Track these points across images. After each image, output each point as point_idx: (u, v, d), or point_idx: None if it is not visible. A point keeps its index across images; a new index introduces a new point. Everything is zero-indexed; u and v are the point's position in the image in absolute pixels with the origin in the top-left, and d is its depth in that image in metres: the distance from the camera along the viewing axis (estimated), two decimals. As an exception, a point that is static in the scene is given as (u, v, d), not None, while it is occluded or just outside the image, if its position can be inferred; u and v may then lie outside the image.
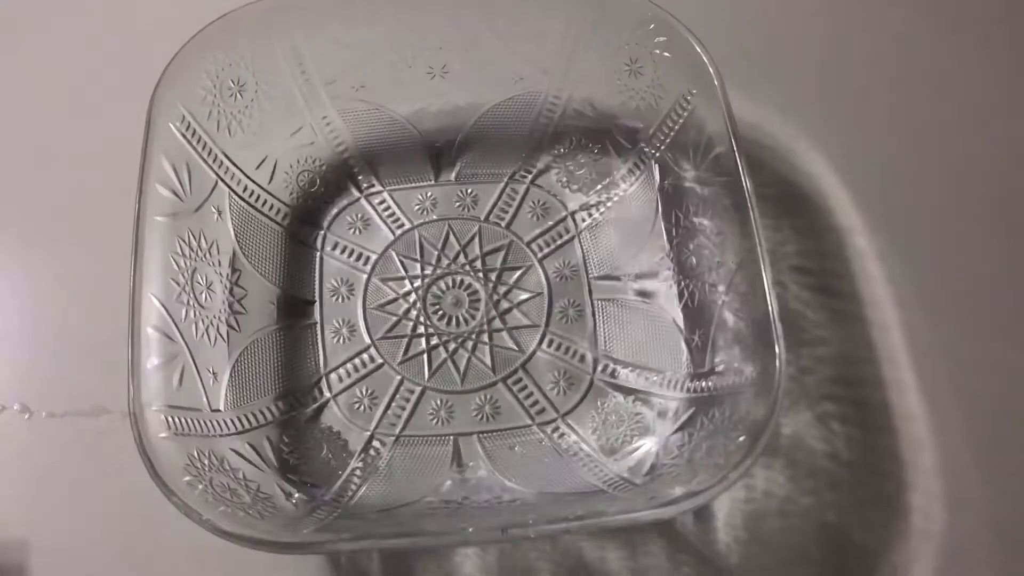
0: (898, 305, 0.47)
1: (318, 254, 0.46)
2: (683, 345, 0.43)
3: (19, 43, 0.53)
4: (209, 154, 0.44)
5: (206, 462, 0.37)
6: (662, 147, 0.46)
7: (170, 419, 0.36)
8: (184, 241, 0.41)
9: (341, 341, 0.44)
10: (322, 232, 0.47)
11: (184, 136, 0.42)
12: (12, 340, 0.46)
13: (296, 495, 0.39)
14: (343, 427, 0.43)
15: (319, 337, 0.45)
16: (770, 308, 0.37)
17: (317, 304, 0.45)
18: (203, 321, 0.41)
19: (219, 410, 0.40)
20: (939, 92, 0.53)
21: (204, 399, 0.39)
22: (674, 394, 0.42)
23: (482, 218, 0.47)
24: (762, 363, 0.38)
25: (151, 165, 0.40)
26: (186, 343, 0.39)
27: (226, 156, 0.44)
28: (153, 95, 0.40)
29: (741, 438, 0.36)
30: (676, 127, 0.45)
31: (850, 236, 0.49)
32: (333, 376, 0.44)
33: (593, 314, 0.45)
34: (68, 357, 0.45)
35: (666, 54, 0.44)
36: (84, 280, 0.46)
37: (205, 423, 0.39)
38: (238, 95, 0.45)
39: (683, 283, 0.44)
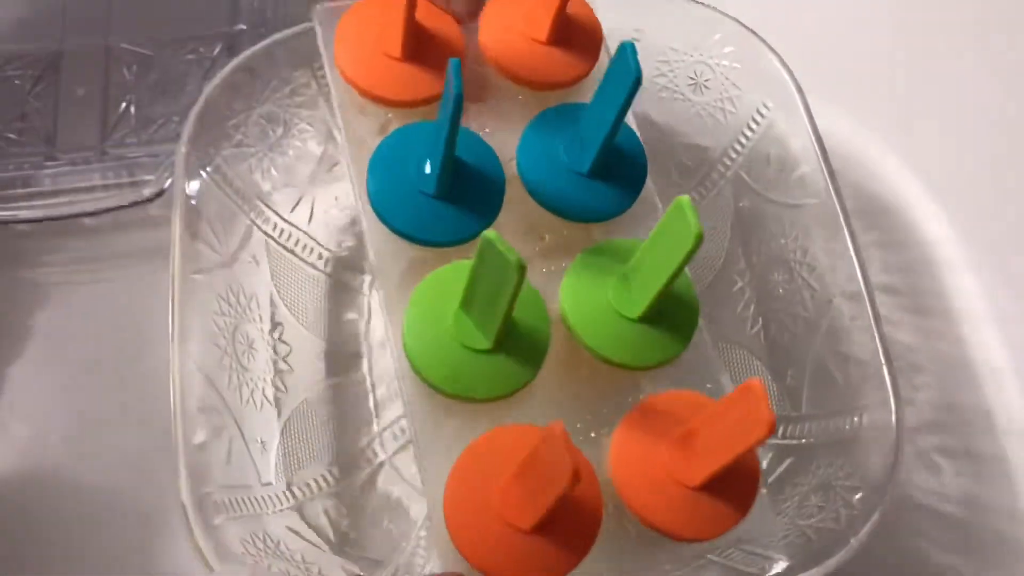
0: (996, 321, 0.43)
1: (365, 300, 0.42)
2: (773, 386, 0.39)
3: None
4: (241, 197, 0.40)
5: (261, 546, 0.33)
6: (734, 165, 0.42)
7: (221, 501, 0.33)
8: (223, 298, 0.37)
9: (393, 396, 0.41)
10: (369, 276, 0.43)
11: (214, 180, 0.39)
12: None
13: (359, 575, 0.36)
14: (403, 492, 0.39)
15: (370, 393, 0.41)
16: (879, 347, 0.33)
17: (365, 357, 0.41)
18: (247, 385, 0.37)
19: (270, 483, 0.36)
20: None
21: (254, 473, 0.36)
22: (769, 440, 0.38)
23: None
24: (872, 407, 0.34)
25: (183, 216, 0.36)
26: (232, 413, 0.35)
27: (260, 198, 0.41)
28: (184, 139, 0.37)
29: (858, 495, 0.32)
30: (751, 143, 0.41)
31: (939, 248, 0.45)
32: (387, 434, 0.40)
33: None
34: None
35: (735, 65, 0.41)
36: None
37: (257, 500, 0.35)
38: (269, 132, 0.41)
39: (767, 316, 0.40)
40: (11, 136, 0.46)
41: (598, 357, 0.31)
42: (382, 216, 0.32)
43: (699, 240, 0.26)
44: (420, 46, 0.34)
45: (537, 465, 0.26)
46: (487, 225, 0.33)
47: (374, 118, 0.35)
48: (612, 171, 0.34)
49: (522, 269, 0.25)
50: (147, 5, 0.50)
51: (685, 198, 0.27)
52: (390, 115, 0.35)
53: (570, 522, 0.28)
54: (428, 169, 0.32)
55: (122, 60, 0.48)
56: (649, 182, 0.35)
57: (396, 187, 0.32)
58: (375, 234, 0.33)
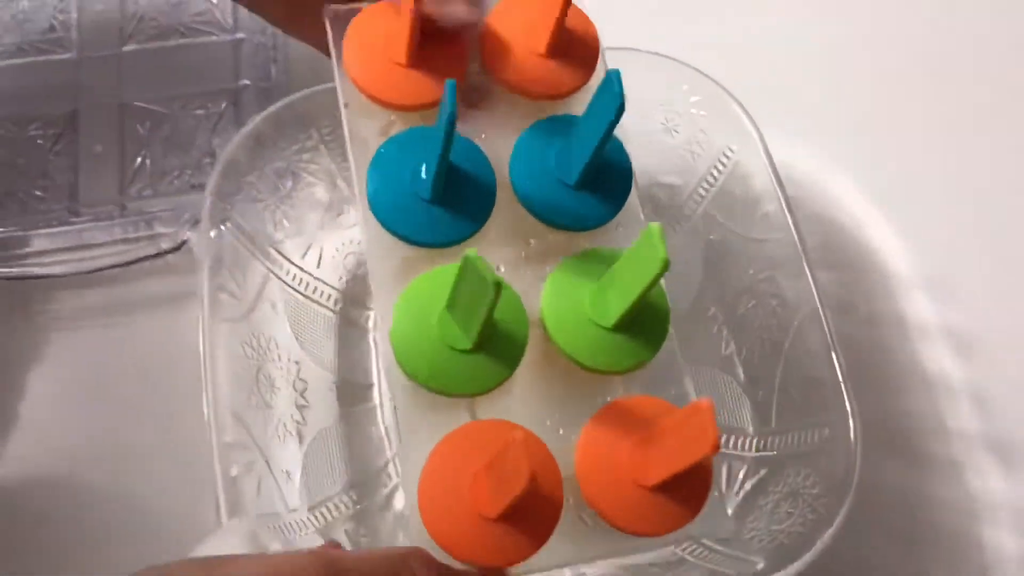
0: (945, 332, 0.48)
1: (370, 335, 0.46)
2: (747, 402, 0.43)
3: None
4: (257, 247, 0.44)
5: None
6: (704, 202, 0.46)
7: (257, 530, 0.36)
8: (247, 343, 0.41)
9: (403, 422, 0.44)
10: (372, 312, 0.47)
11: (233, 233, 0.42)
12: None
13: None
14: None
15: (380, 419, 0.45)
16: (837, 367, 0.38)
17: (375, 386, 0.45)
18: (271, 421, 0.41)
19: (295, 509, 0.40)
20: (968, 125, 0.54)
21: (282, 501, 0.39)
22: (743, 453, 0.42)
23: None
24: (834, 421, 0.38)
25: (209, 270, 0.40)
26: (260, 448, 0.39)
27: (274, 247, 0.44)
28: (208, 196, 0.41)
29: (823, 501, 0.36)
30: (718, 183, 0.45)
31: (891, 266, 0.49)
32: (399, 458, 0.44)
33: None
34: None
35: (702, 112, 0.45)
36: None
37: (285, 526, 0.39)
38: (280, 185, 0.45)
39: (739, 341, 0.44)
40: (37, 193, 0.50)
41: (572, 361, 0.34)
42: (379, 216, 0.34)
43: (665, 266, 0.28)
44: (425, 53, 0.36)
45: (502, 464, 0.29)
46: (477, 229, 0.35)
47: (377, 120, 0.36)
48: (599, 183, 0.36)
49: (498, 287, 0.28)
50: (155, 64, 0.54)
51: (655, 225, 0.29)
52: (393, 117, 0.36)
53: (532, 512, 0.30)
54: (424, 174, 0.34)
55: (135, 117, 0.52)
56: (634, 195, 0.37)
57: (393, 189, 0.34)
58: (371, 233, 0.34)
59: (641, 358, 0.34)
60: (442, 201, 0.34)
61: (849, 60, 0.55)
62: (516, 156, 0.36)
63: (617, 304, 0.32)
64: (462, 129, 0.36)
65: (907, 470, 0.44)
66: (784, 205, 0.41)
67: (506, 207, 0.36)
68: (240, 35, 0.54)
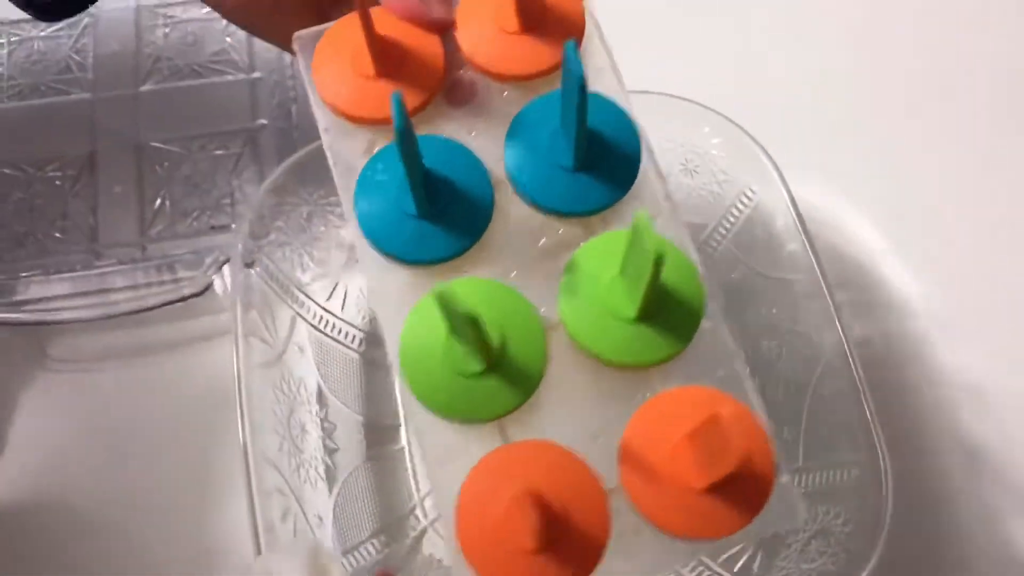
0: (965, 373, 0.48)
1: (394, 375, 0.46)
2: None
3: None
4: (285, 291, 0.44)
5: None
6: (725, 241, 0.46)
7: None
8: (278, 388, 0.41)
9: (429, 462, 0.45)
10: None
11: (262, 277, 0.42)
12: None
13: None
14: (445, 554, 0.43)
15: (408, 462, 0.45)
16: (867, 408, 0.38)
17: (402, 427, 0.45)
18: (304, 466, 0.41)
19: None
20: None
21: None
22: (770, 490, 0.43)
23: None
24: (862, 461, 0.39)
25: (242, 316, 0.40)
26: (293, 493, 0.39)
27: (300, 290, 0.45)
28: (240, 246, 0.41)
29: (855, 541, 0.37)
30: (739, 222, 0.46)
31: (907, 300, 0.50)
32: (428, 501, 0.44)
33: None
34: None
35: (722, 154, 0.45)
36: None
37: (320, 572, 0.39)
38: (306, 228, 0.45)
39: (764, 379, 0.44)
40: (56, 235, 0.50)
41: (600, 360, 0.31)
42: (371, 239, 0.32)
43: (659, 259, 0.26)
44: (395, 61, 0.33)
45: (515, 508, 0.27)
46: (477, 237, 0.32)
47: (359, 140, 0.34)
48: (603, 159, 0.33)
49: (475, 322, 0.26)
50: (172, 104, 0.54)
51: (641, 216, 0.27)
52: (374, 135, 0.34)
53: (576, 538, 0.29)
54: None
55: (153, 158, 0.52)
56: (647, 162, 0.33)
57: (382, 209, 0.32)
58: (368, 259, 0.32)
59: (675, 346, 0.31)
60: (432, 214, 0.32)
61: (867, 95, 0.56)
62: (509, 147, 0.33)
63: (634, 293, 0.30)
64: (448, 130, 0.34)
65: (936, 510, 0.45)
66: (808, 246, 0.41)
67: (507, 206, 0.33)
68: (257, 74, 0.55)
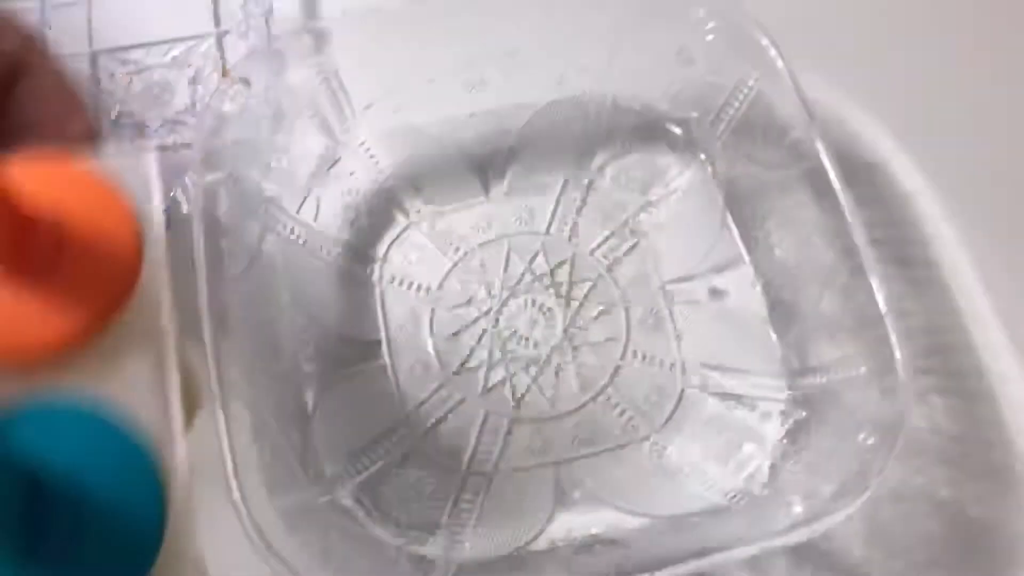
0: (976, 265, 0.46)
1: (376, 289, 0.44)
2: (777, 343, 0.41)
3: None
4: (251, 203, 0.41)
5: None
6: (724, 136, 0.44)
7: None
8: (252, 302, 0.38)
9: (414, 379, 0.42)
10: (376, 265, 0.44)
11: (226, 190, 0.39)
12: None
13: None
14: (433, 470, 0.41)
15: (392, 377, 0.42)
16: (880, 305, 0.36)
17: (384, 343, 0.43)
18: (279, 384, 0.39)
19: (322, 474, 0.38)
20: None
21: (302, 473, 0.37)
22: (775, 395, 0.41)
23: (543, 231, 0.45)
24: (875, 357, 0.36)
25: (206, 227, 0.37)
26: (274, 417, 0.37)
27: (269, 201, 0.42)
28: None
29: (870, 440, 0.35)
30: (738, 115, 0.43)
31: (916, 200, 0.47)
32: (413, 417, 0.42)
33: (672, 319, 0.43)
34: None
35: (719, 40, 0.42)
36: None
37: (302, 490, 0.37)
38: (270, 136, 0.42)
39: (768, 278, 0.42)
40: None
41: None
42: None
43: None
44: None
45: None
46: None
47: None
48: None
49: None
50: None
51: None
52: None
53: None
54: None
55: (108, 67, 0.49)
56: None
57: None
58: None
59: None
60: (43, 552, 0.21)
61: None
62: None
63: None
64: None
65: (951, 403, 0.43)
66: (812, 130, 0.39)
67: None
68: None
